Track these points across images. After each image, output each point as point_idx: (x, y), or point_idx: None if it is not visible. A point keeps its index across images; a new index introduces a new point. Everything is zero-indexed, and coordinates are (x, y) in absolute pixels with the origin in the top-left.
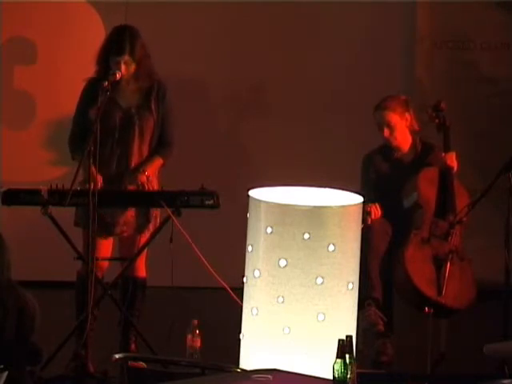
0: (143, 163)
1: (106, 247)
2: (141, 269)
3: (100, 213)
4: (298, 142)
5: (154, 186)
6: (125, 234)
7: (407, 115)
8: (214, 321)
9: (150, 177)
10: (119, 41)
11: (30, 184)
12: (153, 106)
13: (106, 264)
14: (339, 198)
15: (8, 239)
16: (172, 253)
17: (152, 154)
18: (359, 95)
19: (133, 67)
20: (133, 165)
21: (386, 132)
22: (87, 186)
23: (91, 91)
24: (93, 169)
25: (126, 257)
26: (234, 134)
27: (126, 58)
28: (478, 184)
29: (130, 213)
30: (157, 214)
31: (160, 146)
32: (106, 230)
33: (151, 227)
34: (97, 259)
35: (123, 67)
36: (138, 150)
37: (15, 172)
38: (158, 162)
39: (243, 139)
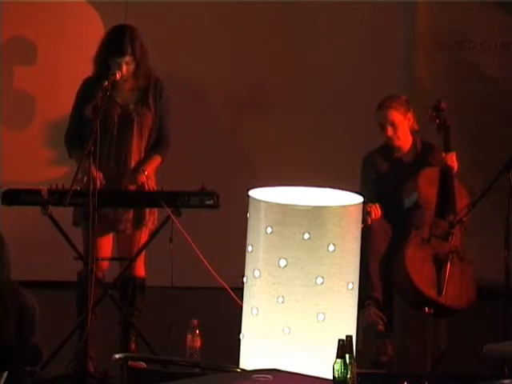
0: (142, 163)
1: (107, 247)
2: (140, 268)
3: (102, 211)
4: (298, 141)
5: (152, 184)
6: (128, 232)
7: (409, 115)
8: (214, 321)
9: (149, 176)
10: (120, 41)
11: (30, 184)
12: (151, 103)
13: (106, 264)
14: (339, 197)
15: (8, 239)
16: (172, 253)
17: (150, 152)
18: (359, 95)
19: (133, 67)
20: (133, 162)
21: (390, 131)
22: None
23: (88, 90)
24: (92, 168)
25: (124, 256)
26: (233, 134)
27: (128, 58)
28: (478, 184)
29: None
30: (154, 210)
31: (158, 144)
32: (110, 226)
33: (150, 224)
34: (97, 259)
35: (124, 67)
36: (137, 147)
37: (15, 172)
38: (157, 160)
39: (243, 139)
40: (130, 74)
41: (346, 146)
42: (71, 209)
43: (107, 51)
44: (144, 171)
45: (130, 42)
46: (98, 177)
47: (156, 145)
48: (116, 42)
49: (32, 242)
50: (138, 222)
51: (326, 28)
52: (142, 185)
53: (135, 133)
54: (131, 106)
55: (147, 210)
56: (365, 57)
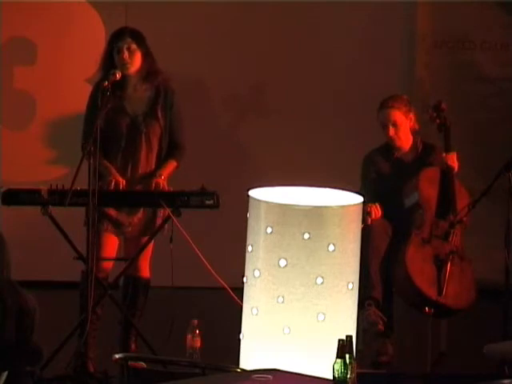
0: (158, 168)
1: (112, 247)
2: (145, 269)
3: (110, 213)
4: (297, 142)
5: (165, 184)
6: (129, 235)
7: (411, 115)
8: (214, 321)
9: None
10: (120, 32)
11: (30, 184)
12: (159, 114)
13: (110, 265)
14: (339, 197)
15: (8, 239)
16: (172, 253)
17: (166, 157)
18: (359, 95)
19: (138, 57)
20: (140, 172)
21: (391, 131)
22: (113, 184)
23: (97, 95)
24: (114, 170)
25: (130, 257)
26: (234, 135)
27: (129, 41)
28: (478, 184)
29: (139, 215)
30: (163, 215)
31: (173, 149)
32: (116, 230)
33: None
34: (98, 259)
35: (126, 53)
36: (146, 158)
37: (15, 172)
38: (173, 165)
39: (243, 139)
40: (136, 72)
41: (346, 146)
42: (71, 209)
43: (109, 50)
44: (161, 175)
45: (130, 29)
46: (121, 181)
47: (171, 150)
48: (116, 36)
49: (32, 242)
50: (146, 230)
51: (326, 28)
52: (158, 186)
53: (143, 144)
54: (140, 118)
55: (157, 220)
56: (365, 57)
